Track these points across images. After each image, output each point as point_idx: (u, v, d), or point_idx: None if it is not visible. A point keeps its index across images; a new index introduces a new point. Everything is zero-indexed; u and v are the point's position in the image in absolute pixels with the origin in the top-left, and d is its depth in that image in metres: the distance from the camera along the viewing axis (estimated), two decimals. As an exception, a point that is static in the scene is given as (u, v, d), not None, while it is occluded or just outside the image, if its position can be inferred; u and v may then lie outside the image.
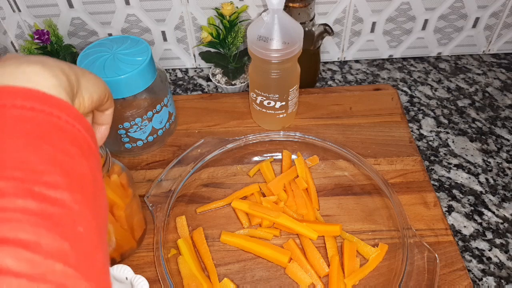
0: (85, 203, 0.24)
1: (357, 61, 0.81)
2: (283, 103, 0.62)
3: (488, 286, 0.51)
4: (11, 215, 0.20)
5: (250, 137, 0.63)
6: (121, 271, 0.42)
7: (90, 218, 0.24)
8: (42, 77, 0.26)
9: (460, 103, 0.73)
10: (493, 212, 0.58)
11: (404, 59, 0.81)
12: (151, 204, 0.55)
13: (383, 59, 0.81)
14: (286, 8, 0.61)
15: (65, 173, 0.23)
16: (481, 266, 0.53)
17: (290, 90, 0.61)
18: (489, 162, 0.64)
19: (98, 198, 0.26)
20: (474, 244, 0.55)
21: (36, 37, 0.66)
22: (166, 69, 0.81)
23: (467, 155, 0.65)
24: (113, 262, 0.52)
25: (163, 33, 0.75)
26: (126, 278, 0.42)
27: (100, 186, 0.27)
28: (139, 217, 0.53)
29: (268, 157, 0.63)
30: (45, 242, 0.20)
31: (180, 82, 0.78)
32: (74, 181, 0.24)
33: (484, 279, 0.52)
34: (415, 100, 0.74)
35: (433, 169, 0.63)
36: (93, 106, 0.32)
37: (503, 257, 0.54)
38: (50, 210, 0.21)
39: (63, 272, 0.20)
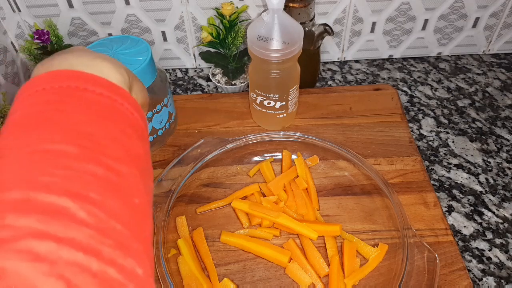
0: (140, 179, 0.27)
1: (357, 61, 0.81)
2: (283, 103, 0.62)
3: (488, 286, 0.51)
4: (82, 176, 0.23)
5: (250, 137, 0.63)
6: None
7: (143, 192, 0.27)
8: (111, 72, 0.30)
9: (460, 103, 0.73)
10: (493, 212, 0.58)
11: (404, 59, 0.81)
12: (151, 204, 0.55)
13: (383, 59, 0.81)
14: (286, 8, 0.61)
15: (125, 149, 0.27)
16: (481, 266, 0.53)
17: (290, 90, 0.61)
18: (489, 162, 0.64)
19: (149, 178, 0.29)
20: (474, 244, 0.55)
21: (36, 37, 0.66)
22: (166, 69, 0.81)
23: (467, 155, 0.65)
24: None
25: (163, 33, 0.75)
26: None
27: (150, 168, 0.30)
28: None
29: (268, 157, 0.63)
30: (109, 203, 0.23)
31: (180, 82, 0.78)
32: (131, 157, 0.27)
33: (484, 279, 0.52)
34: (415, 100, 0.74)
35: (433, 169, 0.63)
36: None
37: (503, 257, 0.54)
38: (113, 179, 0.24)
39: (121, 232, 0.23)
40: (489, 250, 0.54)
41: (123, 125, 0.28)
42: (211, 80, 0.75)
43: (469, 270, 0.52)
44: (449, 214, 0.58)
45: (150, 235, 0.27)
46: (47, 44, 0.67)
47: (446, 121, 0.70)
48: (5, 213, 0.21)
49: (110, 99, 0.28)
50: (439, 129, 0.69)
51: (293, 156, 0.62)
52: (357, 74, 0.79)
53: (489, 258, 0.54)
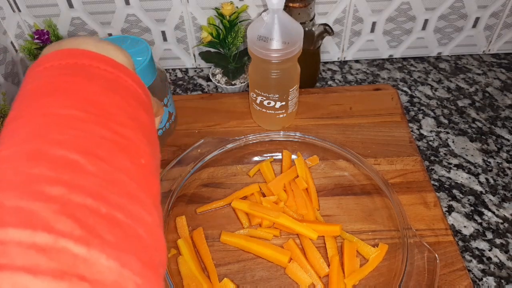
0: (146, 143, 0.28)
1: (357, 61, 0.81)
2: (283, 103, 0.62)
3: (488, 286, 0.51)
4: (91, 137, 0.24)
5: (250, 137, 0.63)
6: None
7: (150, 155, 0.28)
8: (117, 53, 0.31)
9: (460, 103, 0.73)
10: (493, 212, 0.58)
11: (404, 59, 0.81)
12: (151, 204, 0.55)
13: (383, 59, 0.81)
14: (286, 8, 0.61)
15: (131, 118, 0.28)
16: (481, 266, 0.53)
17: (290, 90, 0.61)
18: (489, 162, 0.64)
19: (155, 146, 0.30)
20: (474, 244, 0.55)
21: (36, 37, 0.66)
22: (166, 69, 0.81)
23: (467, 155, 0.65)
24: None
25: (163, 33, 0.75)
26: None
27: (156, 138, 0.31)
28: None
29: (268, 157, 0.63)
30: (117, 160, 0.25)
31: (180, 82, 0.78)
32: (137, 124, 0.28)
33: (484, 279, 0.52)
34: (415, 100, 0.74)
35: (433, 169, 0.63)
36: None
37: (503, 257, 0.54)
38: (120, 141, 0.26)
39: (129, 183, 0.24)
40: (489, 250, 0.54)
41: (128, 97, 0.29)
42: (211, 80, 0.75)
43: (469, 270, 0.52)
44: (449, 214, 0.58)
45: (158, 194, 0.28)
46: (47, 44, 0.67)
47: (446, 121, 0.70)
48: (19, 161, 0.22)
49: (114, 75, 0.29)
50: (439, 129, 0.69)
51: (293, 156, 0.62)
52: (357, 74, 0.79)
53: (489, 258, 0.54)
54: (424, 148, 0.66)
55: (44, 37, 0.66)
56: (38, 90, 0.27)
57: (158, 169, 0.30)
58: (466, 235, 0.56)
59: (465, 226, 0.57)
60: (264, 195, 0.59)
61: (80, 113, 0.25)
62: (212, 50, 0.74)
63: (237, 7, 0.69)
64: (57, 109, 0.25)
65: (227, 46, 0.70)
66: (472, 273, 0.52)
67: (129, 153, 0.26)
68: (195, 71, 0.80)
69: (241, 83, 0.73)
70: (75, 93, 0.26)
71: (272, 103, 0.62)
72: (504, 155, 0.65)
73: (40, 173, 0.21)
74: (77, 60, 0.28)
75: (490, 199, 0.59)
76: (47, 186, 0.21)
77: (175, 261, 0.52)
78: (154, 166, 0.28)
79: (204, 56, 0.75)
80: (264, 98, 0.61)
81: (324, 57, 0.80)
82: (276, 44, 0.54)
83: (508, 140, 0.67)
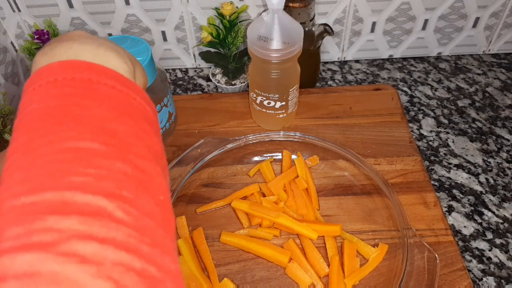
0: (162, 176, 0.27)
1: (357, 61, 0.81)
2: (283, 103, 0.62)
3: (488, 286, 0.51)
4: (114, 174, 0.23)
5: (250, 137, 0.63)
6: None
7: (166, 189, 0.27)
8: (117, 62, 0.29)
9: (460, 103, 0.73)
10: (493, 212, 0.58)
11: (404, 59, 0.81)
12: (151, 204, 0.55)
13: (383, 59, 0.81)
14: (286, 8, 0.61)
15: (147, 147, 0.27)
16: (481, 266, 0.53)
17: (290, 90, 0.61)
18: (489, 162, 0.64)
19: (167, 174, 0.30)
20: (474, 244, 0.55)
21: (36, 37, 0.66)
22: (166, 69, 0.81)
23: (467, 155, 0.65)
24: None
25: (163, 33, 0.75)
26: None
27: (166, 164, 0.30)
28: None
29: (268, 157, 0.63)
30: (141, 201, 0.24)
31: (180, 82, 0.78)
32: (153, 155, 0.27)
33: (484, 279, 0.52)
34: (415, 100, 0.74)
35: (433, 169, 0.63)
36: None
37: (503, 257, 0.54)
38: (141, 177, 0.25)
39: (156, 229, 0.23)
40: (489, 250, 0.54)
41: (141, 121, 0.28)
42: (211, 80, 0.75)
43: (469, 270, 0.52)
44: (449, 214, 0.58)
45: (174, 228, 0.27)
46: (47, 44, 0.67)
47: (446, 121, 0.70)
48: (45, 215, 0.21)
49: (124, 94, 0.28)
50: (439, 129, 0.69)
51: (293, 156, 0.62)
52: (357, 74, 0.79)
53: (489, 258, 0.54)
54: (424, 148, 0.66)
55: (44, 37, 0.66)
56: (48, 115, 0.25)
57: (171, 201, 0.29)
58: (466, 235, 0.56)
59: (465, 226, 0.57)
60: (264, 195, 0.59)
61: (98, 145, 0.24)
62: (212, 50, 0.74)
63: (237, 7, 0.69)
64: (73, 142, 0.23)
65: (227, 46, 0.70)
66: (472, 273, 0.52)
67: (151, 191, 0.25)
68: (195, 71, 0.80)
69: (241, 83, 0.73)
70: (89, 120, 0.25)
71: (272, 103, 0.62)
72: (504, 155, 0.65)
73: (70, 228, 0.20)
74: (82, 75, 0.27)
75: (490, 199, 0.59)
76: (79, 244, 0.20)
77: (175, 261, 0.52)
78: (170, 199, 0.28)
79: (204, 56, 0.75)
80: (264, 98, 0.61)
81: (324, 57, 0.80)
82: (276, 44, 0.54)
83: (508, 140, 0.67)
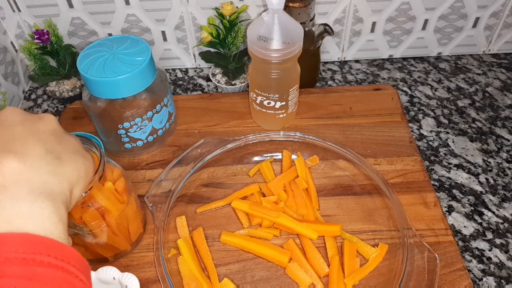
0: None
1: (357, 61, 0.81)
2: (283, 103, 0.62)
3: (488, 286, 0.51)
4: None
5: (250, 137, 0.63)
6: (107, 272, 0.42)
7: None
8: (50, 208, 0.29)
9: (460, 103, 0.73)
10: (493, 212, 0.58)
11: (404, 59, 0.81)
12: (151, 204, 0.55)
13: (383, 59, 0.81)
14: (286, 8, 0.61)
15: None
16: (481, 266, 0.53)
17: (290, 90, 0.61)
18: (489, 162, 0.64)
19: None
20: (474, 244, 0.55)
21: (36, 37, 0.66)
22: (166, 69, 0.81)
23: (467, 155, 0.65)
24: (106, 261, 0.52)
25: (163, 33, 0.75)
26: (114, 278, 0.42)
27: None
28: (136, 223, 0.52)
29: (268, 157, 0.63)
30: None
31: (180, 82, 0.78)
32: None
33: (484, 279, 0.52)
34: (415, 100, 0.74)
35: (433, 169, 0.63)
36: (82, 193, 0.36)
37: (503, 257, 0.54)
38: None
39: None
40: (489, 250, 0.54)
41: None
42: (211, 80, 0.75)
43: (469, 270, 0.52)
44: (449, 214, 0.58)
45: None
46: (47, 44, 0.67)
47: (446, 121, 0.70)
48: None
49: (63, 270, 0.28)
50: (439, 129, 0.69)
51: (293, 156, 0.62)
52: (357, 74, 0.79)
53: (489, 258, 0.54)
54: (424, 148, 0.66)
55: (44, 37, 0.66)
56: None
57: None
58: (466, 235, 0.56)
59: (465, 226, 0.57)
60: (264, 195, 0.59)
61: None
62: (212, 50, 0.74)
63: (237, 7, 0.69)
64: None
65: (227, 46, 0.70)
66: (472, 273, 0.52)
67: None
68: (195, 71, 0.80)
69: (241, 83, 0.73)
70: None
71: (272, 103, 0.62)
72: (504, 155, 0.65)
73: None
74: (34, 256, 0.27)
75: (490, 199, 0.59)
76: None
77: (175, 261, 0.52)
78: None
79: (204, 56, 0.75)
80: (264, 98, 0.61)
81: (324, 57, 0.80)
82: (276, 44, 0.54)
83: (508, 140, 0.67)
